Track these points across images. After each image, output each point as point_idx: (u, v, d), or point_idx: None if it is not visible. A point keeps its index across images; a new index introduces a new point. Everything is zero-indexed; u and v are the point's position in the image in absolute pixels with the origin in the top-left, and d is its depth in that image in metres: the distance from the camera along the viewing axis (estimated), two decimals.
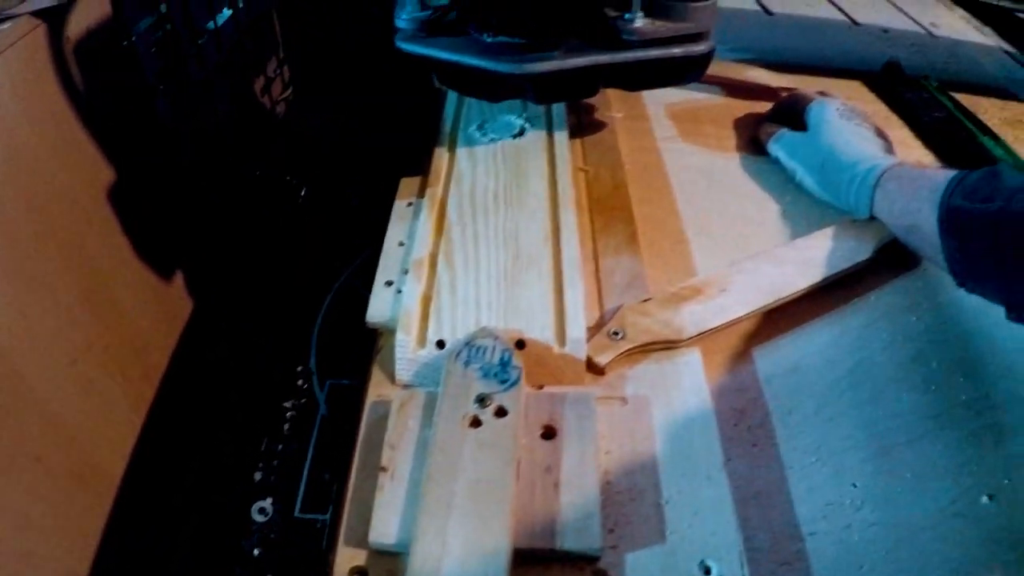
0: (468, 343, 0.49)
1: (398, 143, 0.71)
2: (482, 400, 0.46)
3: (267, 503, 0.55)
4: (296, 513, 0.54)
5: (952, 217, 0.53)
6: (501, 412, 0.46)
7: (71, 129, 0.65)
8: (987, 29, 1.17)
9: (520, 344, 0.50)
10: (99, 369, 0.68)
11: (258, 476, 0.57)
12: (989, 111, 0.83)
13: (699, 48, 0.63)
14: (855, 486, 0.49)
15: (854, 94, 0.89)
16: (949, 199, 0.54)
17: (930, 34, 1.11)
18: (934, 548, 0.46)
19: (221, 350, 0.73)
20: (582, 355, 0.50)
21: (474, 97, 0.71)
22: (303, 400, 0.60)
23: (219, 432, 0.64)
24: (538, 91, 0.64)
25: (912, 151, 0.79)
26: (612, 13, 0.62)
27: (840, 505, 0.48)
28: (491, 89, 0.65)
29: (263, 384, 0.64)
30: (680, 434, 0.49)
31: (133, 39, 0.79)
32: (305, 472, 0.55)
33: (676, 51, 0.63)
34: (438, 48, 0.62)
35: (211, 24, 0.96)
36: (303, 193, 0.94)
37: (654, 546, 0.43)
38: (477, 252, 0.55)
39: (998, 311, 0.61)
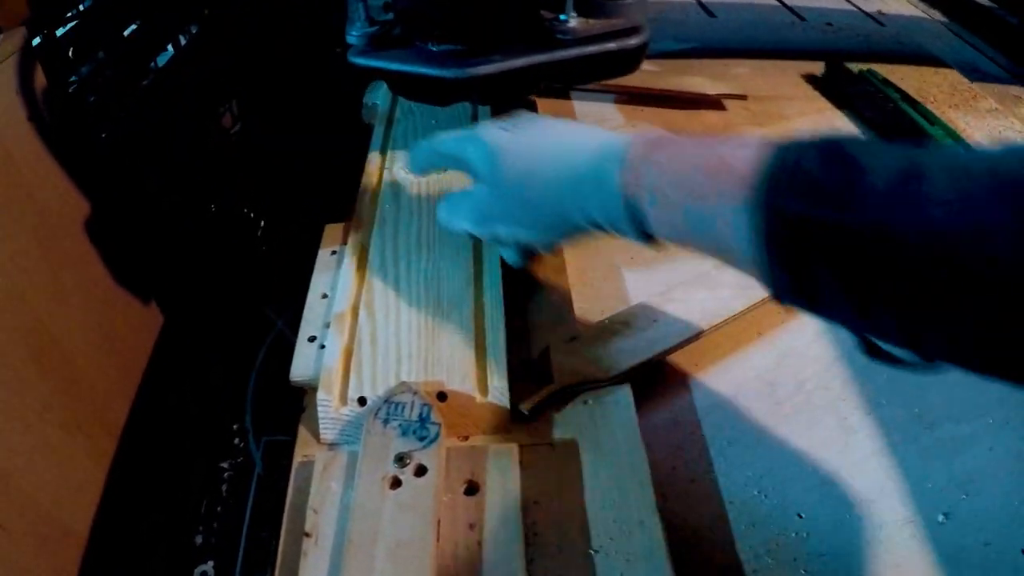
0: (387, 400, 0.48)
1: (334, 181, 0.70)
2: (401, 459, 0.45)
3: (208, 566, 0.54)
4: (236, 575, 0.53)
5: (782, 230, 0.34)
6: (421, 471, 0.44)
7: (5, 187, 0.64)
8: (934, 12, 1.16)
9: (442, 396, 0.49)
10: (57, 429, 0.67)
11: (199, 540, 0.56)
12: (938, 98, 0.82)
13: (633, 42, 0.65)
14: (800, 516, 0.48)
15: (798, 92, 0.87)
16: (774, 198, 0.34)
17: (877, 22, 1.10)
18: (884, 573, 0.45)
19: (172, 403, 0.72)
20: (506, 403, 0.49)
21: (425, 103, 0.73)
22: (239, 459, 0.59)
23: (168, 493, 0.63)
24: (483, 93, 0.68)
25: None
26: (547, 15, 0.65)
27: (786, 538, 0.47)
28: (440, 94, 0.67)
29: (202, 442, 0.63)
30: (610, 478, 0.47)
31: (73, 86, 0.78)
32: (244, 533, 0.54)
33: (611, 46, 0.65)
34: (387, 60, 0.65)
35: (153, 64, 0.95)
36: (262, 225, 0.93)
37: None
38: (399, 300, 0.54)
39: None
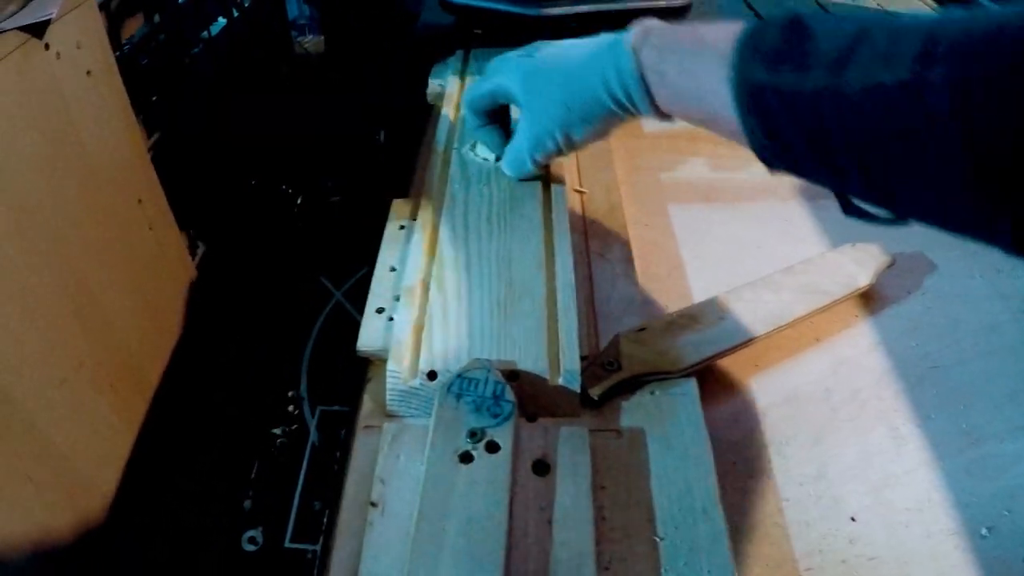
0: (460, 375, 0.48)
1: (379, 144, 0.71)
2: (474, 435, 0.45)
3: (257, 532, 0.54)
4: (287, 543, 0.53)
5: (752, 98, 0.38)
6: (493, 447, 0.45)
7: (58, 143, 0.63)
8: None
9: (513, 376, 0.49)
10: (90, 387, 0.66)
11: (248, 504, 0.56)
12: None
13: (679, 1, 0.83)
14: (853, 520, 0.48)
15: None
16: (744, 72, 0.38)
17: None
18: None
19: (213, 368, 0.72)
20: (576, 387, 0.49)
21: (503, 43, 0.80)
22: (294, 426, 0.59)
23: (209, 455, 0.63)
24: (551, 32, 0.79)
25: None
26: None
27: (836, 538, 0.47)
28: (516, 31, 0.80)
29: (253, 408, 0.63)
30: (676, 468, 0.48)
31: (125, 49, 0.78)
32: (296, 500, 0.54)
33: (660, 3, 0.82)
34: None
35: (205, 34, 0.95)
36: (299, 202, 0.93)
37: None
38: (470, 279, 0.54)
39: (1000, 337, 0.61)
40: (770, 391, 0.55)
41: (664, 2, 0.79)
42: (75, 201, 0.65)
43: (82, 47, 0.65)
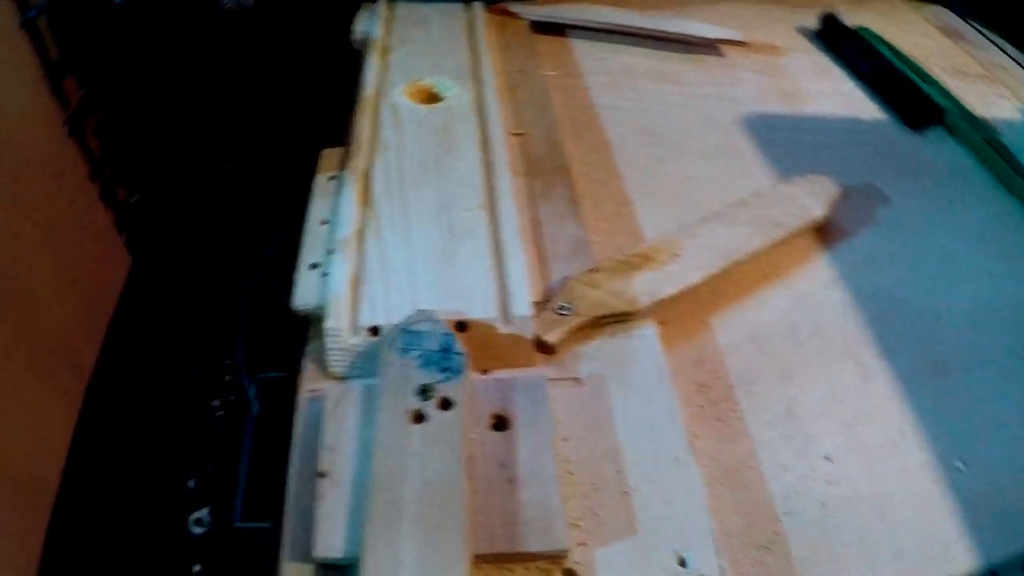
0: (404, 329, 0.44)
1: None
2: (424, 392, 0.42)
3: (204, 513, 0.49)
4: (236, 522, 0.48)
5: None
6: (446, 404, 0.41)
7: None
8: None
9: (461, 326, 0.45)
10: (22, 372, 0.60)
11: (191, 484, 0.51)
12: (929, 60, 0.82)
13: None
14: (828, 459, 0.46)
15: (797, 45, 0.86)
16: None
17: None
18: (909, 518, 0.44)
19: (148, 343, 0.66)
20: (529, 334, 0.46)
21: None
22: (232, 397, 0.54)
23: (148, 434, 0.57)
24: None
25: (856, 102, 0.77)
26: None
27: (813, 479, 0.45)
28: None
29: (187, 381, 0.57)
30: (642, 415, 0.45)
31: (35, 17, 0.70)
32: (242, 477, 0.49)
33: None
34: None
35: None
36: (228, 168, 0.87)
37: (624, 539, 0.40)
38: (408, 225, 0.50)
39: (956, 266, 0.59)
40: (733, 329, 0.52)
41: None
42: None
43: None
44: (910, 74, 0.77)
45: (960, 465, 0.47)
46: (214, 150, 0.83)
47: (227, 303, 0.61)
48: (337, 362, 0.45)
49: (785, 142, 0.69)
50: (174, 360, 0.61)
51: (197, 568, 0.48)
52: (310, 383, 0.45)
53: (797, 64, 0.83)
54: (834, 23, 0.86)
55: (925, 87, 0.75)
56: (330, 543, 0.37)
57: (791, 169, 0.64)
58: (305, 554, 0.37)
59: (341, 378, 0.45)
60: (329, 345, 0.45)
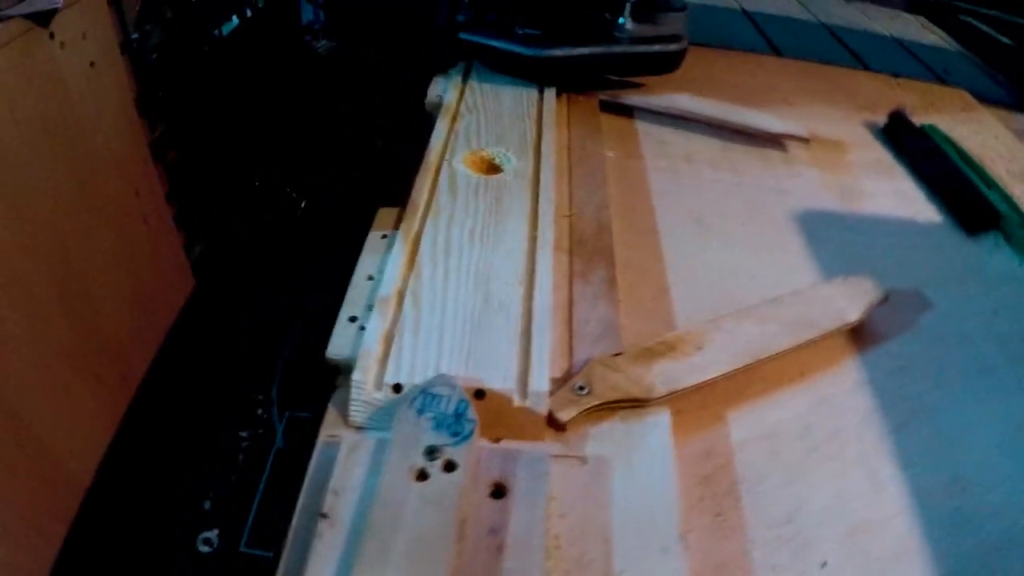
0: (424, 390, 0.47)
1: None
2: (431, 452, 0.44)
3: (213, 534, 0.54)
4: (242, 547, 0.52)
5: None
6: (450, 466, 0.44)
7: (57, 131, 0.64)
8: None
9: (480, 394, 0.48)
10: (73, 374, 0.66)
11: (207, 505, 0.55)
12: (996, 163, 0.81)
13: (673, 47, 0.87)
14: (824, 566, 0.47)
15: (861, 141, 0.86)
16: None
17: (942, 81, 1.09)
18: None
19: (197, 365, 0.72)
20: (543, 410, 0.48)
21: (507, 75, 0.87)
22: (260, 430, 0.59)
23: (179, 451, 0.63)
24: (551, 72, 0.85)
25: (914, 203, 0.77)
26: (609, 17, 0.86)
27: None
28: (519, 69, 0.85)
29: (223, 409, 0.62)
30: (640, 501, 0.46)
31: (134, 44, 0.78)
32: (255, 505, 0.53)
33: (655, 48, 0.87)
34: (486, 37, 0.85)
35: (217, 32, 0.95)
36: (302, 206, 0.93)
37: None
38: (446, 292, 0.53)
39: (993, 381, 0.58)
40: (747, 426, 0.53)
41: (659, 48, 0.86)
42: (71, 190, 0.65)
43: (87, 38, 0.66)
44: (972, 176, 0.76)
45: None
46: (287, 190, 0.89)
47: (273, 339, 0.66)
48: (358, 413, 0.48)
49: (836, 240, 0.70)
50: (215, 385, 0.66)
51: None
52: (329, 429, 0.49)
53: (859, 161, 0.83)
54: (901, 120, 0.86)
55: (986, 190, 0.74)
56: None
57: (837, 268, 0.65)
58: None
59: (360, 428, 0.49)
60: (353, 396, 0.48)
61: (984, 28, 1.30)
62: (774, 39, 1.21)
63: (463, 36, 0.85)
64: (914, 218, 0.75)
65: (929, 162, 0.79)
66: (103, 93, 0.67)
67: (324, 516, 0.43)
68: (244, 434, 0.58)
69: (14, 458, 0.59)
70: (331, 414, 0.50)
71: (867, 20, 1.42)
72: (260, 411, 0.59)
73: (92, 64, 0.67)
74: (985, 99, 0.97)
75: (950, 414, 0.56)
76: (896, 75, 1.06)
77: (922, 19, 1.42)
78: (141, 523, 0.58)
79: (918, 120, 0.88)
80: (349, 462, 0.46)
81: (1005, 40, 1.26)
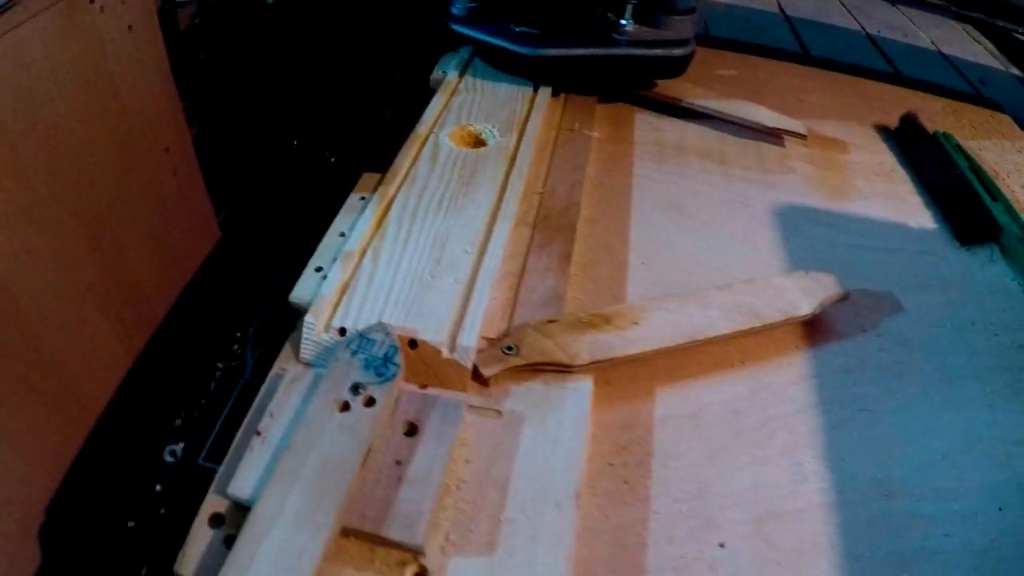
0: (361, 334, 0.51)
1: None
2: (356, 388, 0.49)
3: (179, 447, 0.60)
4: (200, 460, 0.58)
5: None
6: (370, 402, 0.48)
7: (93, 89, 0.71)
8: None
9: (412, 343, 0.52)
10: (96, 311, 0.73)
11: (178, 422, 0.61)
12: (1011, 177, 0.78)
13: (677, 51, 0.82)
14: (721, 546, 0.47)
15: (867, 143, 0.85)
16: None
17: (977, 92, 1.05)
18: None
19: (212, 311, 0.78)
20: (468, 363, 0.51)
21: (502, 71, 0.84)
22: (234, 363, 0.64)
23: (172, 379, 0.69)
24: (547, 72, 0.82)
25: (909, 208, 0.75)
26: (611, 17, 0.82)
27: (697, 561, 0.46)
28: (514, 66, 0.82)
29: (202, 342, 0.68)
30: (545, 458, 0.49)
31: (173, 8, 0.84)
32: (216, 426, 0.59)
33: (658, 52, 0.81)
34: (479, 31, 0.82)
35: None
36: (332, 161, 0.98)
37: (479, 556, 0.44)
38: (404, 251, 0.57)
39: (954, 392, 0.57)
40: (674, 404, 0.55)
41: (661, 52, 0.81)
42: (104, 142, 0.73)
43: (126, 2, 0.73)
44: (977, 186, 0.74)
45: None
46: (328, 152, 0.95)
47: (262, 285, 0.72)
48: (307, 351, 0.53)
49: (814, 237, 0.69)
50: (215, 326, 0.72)
51: (159, 488, 0.58)
52: (281, 363, 0.54)
53: (858, 161, 0.82)
54: (912, 125, 0.84)
55: (989, 202, 0.72)
56: (242, 486, 0.45)
57: (808, 264, 0.65)
58: (225, 491, 0.45)
59: (308, 365, 0.53)
60: (304, 336, 0.53)
61: None
62: (804, 38, 1.19)
63: (455, 28, 0.83)
64: (906, 223, 0.73)
65: (935, 169, 0.77)
66: (139, 55, 0.74)
67: (258, 434, 0.48)
68: (220, 365, 0.64)
69: (33, 377, 0.66)
70: (286, 351, 0.55)
71: (910, 25, 1.37)
72: (236, 347, 0.65)
73: (130, 27, 0.74)
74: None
75: (897, 419, 0.56)
76: (923, 81, 1.02)
77: (968, 27, 1.36)
78: (132, 440, 0.65)
79: (935, 128, 0.85)
80: (288, 391, 0.51)
81: None
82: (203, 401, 0.63)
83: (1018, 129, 0.92)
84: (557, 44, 0.79)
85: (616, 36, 0.80)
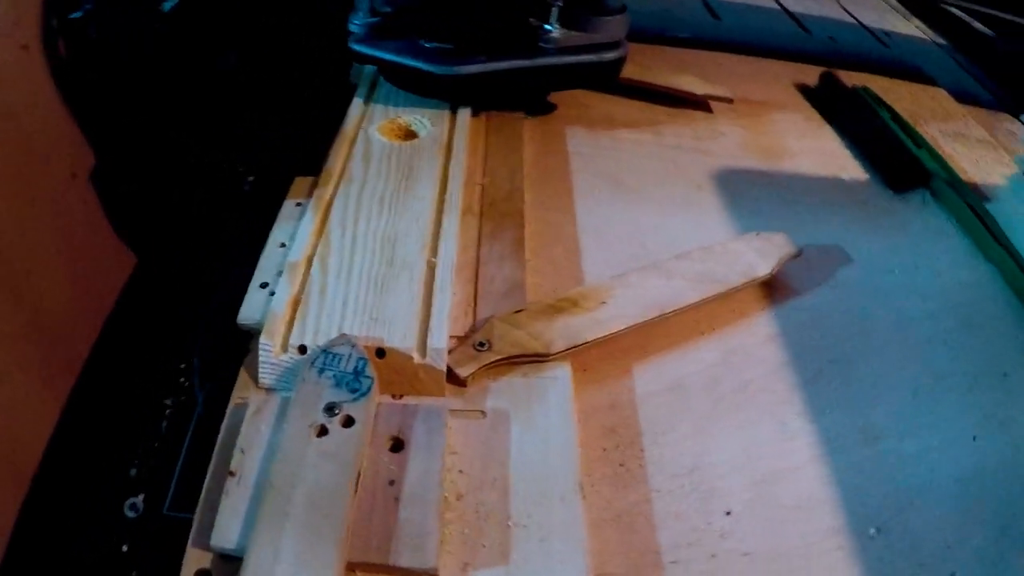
0: (325, 350, 0.48)
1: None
2: (331, 409, 0.45)
3: (139, 499, 0.54)
4: (165, 510, 0.53)
5: None
6: (348, 422, 0.45)
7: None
8: (941, 39, 1.16)
9: (380, 352, 0.49)
10: (13, 361, 0.66)
11: (133, 472, 0.56)
12: (929, 122, 0.81)
13: (610, 55, 0.74)
14: (728, 514, 0.47)
15: (792, 103, 0.87)
16: None
17: (880, 42, 1.09)
18: None
19: (135, 344, 0.72)
20: (442, 365, 0.49)
21: (414, 94, 0.75)
22: (183, 398, 0.60)
23: (113, 425, 0.63)
24: (466, 92, 0.73)
25: (840, 161, 0.77)
26: (534, 23, 0.73)
27: (708, 532, 0.46)
28: (427, 88, 0.73)
29: (145, 378, 0.63)
30: (539, 452, 0.47)
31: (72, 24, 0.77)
32: (177, 469, 0.54)
33: (589, 57, 0.73)
34: (383, 50, 0.71)
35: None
36: (249, 180, 0.93)
37: (496, 568, 0.42)
38: (353, 256, 0.54)
39: (910, 333, 0.59)
40: (653, 379, 0.54)
41: (593, 57, 0.73)
42: (6, 175, 0.65)
43: (19, 23, 0.66)
44: (901, 136, 0.77)
45: (873, 532, 0.47)
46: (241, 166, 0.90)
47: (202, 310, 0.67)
48: (266, 375, 0.49)
49: (755, 198, 0.70)
50: (151, 358, 0.66)
51: (124, 548, 0.53)
52: (240, 392, 0.49)
53: (785, 121, 0.84)
54: (832, 82, 0.87)
55: (915, 149, 0.75)
56: (226, 536, 0.40)
57: (755, 225, 0.65)
58: (208, 543, 0.41)
59: (269, 390, 0.49)
60: (261, 359, 0.49)
61: (964, 18, 1.30)
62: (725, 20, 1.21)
63: (355, 48, 0.72)
64: (838, 176, 0.76)
65: (858, 122, 0.79)
66: (37, 76, 0.67)
67: (232, 474, 0.44)
68: (168, 401, 0.59)
69: None
70: (242, 377, 0.51)
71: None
72: (183, 379, 0.60)
73: (25, 47, 0.67)
74: (958, 95, 0.97)
75: (865, 365, 0.57)
76: (832, 38, 1.06)
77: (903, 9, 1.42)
78: (81, 495, 0.59)
79: (853, 83, 0.88)
80: (256, 421, 0.47)
81: (984, 30, 1.26)
82: (156, 444, 0.57)
83: (921, 72, 0.96)
84: (475, 59, 0.70)
85: (542, 44, 0.71)
